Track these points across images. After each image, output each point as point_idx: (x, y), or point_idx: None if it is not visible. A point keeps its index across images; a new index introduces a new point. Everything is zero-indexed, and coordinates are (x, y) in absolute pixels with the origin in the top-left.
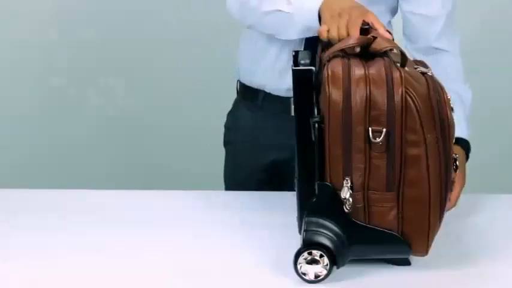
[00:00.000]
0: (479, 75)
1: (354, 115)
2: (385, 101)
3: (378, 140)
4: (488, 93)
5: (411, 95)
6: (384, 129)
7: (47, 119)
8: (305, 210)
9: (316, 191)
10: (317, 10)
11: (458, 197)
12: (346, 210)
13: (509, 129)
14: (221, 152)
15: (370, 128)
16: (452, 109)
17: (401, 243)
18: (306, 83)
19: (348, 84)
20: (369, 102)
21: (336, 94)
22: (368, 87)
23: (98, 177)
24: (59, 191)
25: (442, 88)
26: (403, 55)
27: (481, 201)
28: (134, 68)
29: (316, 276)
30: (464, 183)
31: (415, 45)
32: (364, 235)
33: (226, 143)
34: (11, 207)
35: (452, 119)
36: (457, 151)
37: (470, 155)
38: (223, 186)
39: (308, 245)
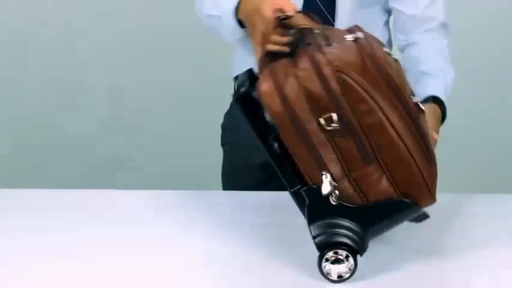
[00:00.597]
0: (479, 75)
1: (299, 116)
2: (321, 88)
3: (334, 125)
4: (488, 93)
5: (343, 71)
6: (333, 114)
7: (47, 119)
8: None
9: (305, 198)
10: (232, 12)
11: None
12: (333, 203)
13: (509, 129)
14: (219, 152)
15: (320, 119)
16: (396, 60)
17: (407, 204)
18: (250, 106)
19: (281, 90)
20: (307, 96)
21: (274, 106)
22: (299, 83)
23: (97, 177)
24: (59, 191)
25: (373, 47)
26: (324, 35)
27: (481, 201)
28: (132, 68)
29: (346, 273)
30: (436, 139)
31: (398, 33)
32: (371, 214)
33: (224, 144)
34: (11, 207)
35: (398, 69)
36: (431, 108)
37: (472, 155)
38: (221, 186)
39: (324, 248)
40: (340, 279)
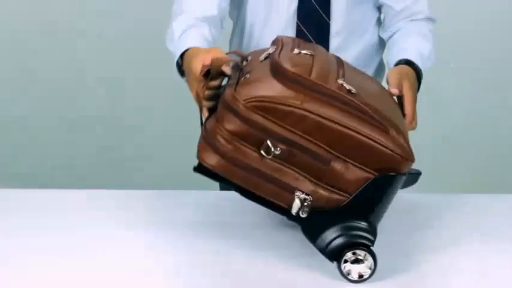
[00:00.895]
0: (479, 75)
1: (243, 160)
2: (244, 125)
3: (275, 151)
4: (488, 93)
5: (255, 100)
6: (268, 141)
7: (47, 119)
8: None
9: (298, 223)
10: (176, 66)
11: (412, 112)
12: (303, 216)
13: (509, 129)
14: None
15: (261, 152)
16: (311, 54)
17: (391, 178)
18: (210, 174)
19: (216, 148)
20: (238, 139)
21: (218, 165)
22: (226, 131)
23: (97, 177)
24: (59, 191)
25: (279, 58)
26: (241, 68)
27: (481, 201)
28: (132, 68)
29: (366, 272)
30: (414, 99)
31: (387, 28)
32: (363, 204)
33: None
34: (11, 207)
35: (314, 61)
36: (399, 69)
37: (472, 155)
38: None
39: (336, 257)
40: (355, 277)
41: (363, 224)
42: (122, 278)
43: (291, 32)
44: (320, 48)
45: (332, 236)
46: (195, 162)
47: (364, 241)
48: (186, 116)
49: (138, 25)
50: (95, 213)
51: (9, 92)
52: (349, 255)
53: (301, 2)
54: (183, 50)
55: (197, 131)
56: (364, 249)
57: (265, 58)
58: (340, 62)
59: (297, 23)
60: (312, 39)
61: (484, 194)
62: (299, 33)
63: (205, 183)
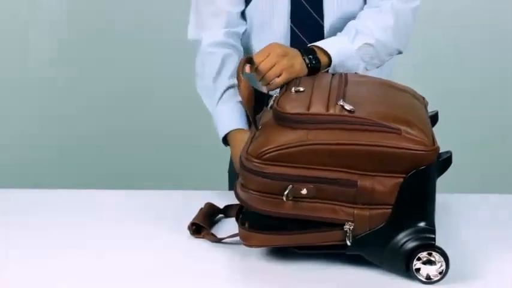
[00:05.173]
0: (479, 75)
1: (278, 211)
2: (266, 179)
3: (304, 191)
4: (488, 93)
5: (264, 153)
6: (292, 186)
7: (47, 119)
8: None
9: (360, 252)
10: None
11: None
12: (349, 243)
13: (510, 129)
14: (220, 152)
15: (289, 202)
16: (311, 87)
17: (421, 173)
18: None
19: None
20: (268, 193)
21: (263, 242)
22: (255, 192)
23: (97, 177)
24: (59, 191)
25: (275, 107)
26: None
27: (481, 201)
28: (132, 68)
29: (435, 276)
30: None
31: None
32: (409, 207)
33: None
34: (11, 207)
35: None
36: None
37: (473, 155)
38: (221, 187)
39: (406, 267)
40: (427, 277)
41: (414, 229)
42: (121, 279)
43: (287, 37)
44: (322, 75)
45: (392, 251)
46: (195, 162)
47: (429, 242)
48: (186, 116)
49: (139, 25)
50: (95, 214)
51: (9, 92)
52: (423, 254)
53: (294, 6)
54: (228, 130)
55: (198, 132)
56: (438, 251)
57: (271, 107)
58: (344, 80)
59: (291, 27)
60: (306, 41)
61: (484, 194)
62: (294, 37)
63: (206, 183)
